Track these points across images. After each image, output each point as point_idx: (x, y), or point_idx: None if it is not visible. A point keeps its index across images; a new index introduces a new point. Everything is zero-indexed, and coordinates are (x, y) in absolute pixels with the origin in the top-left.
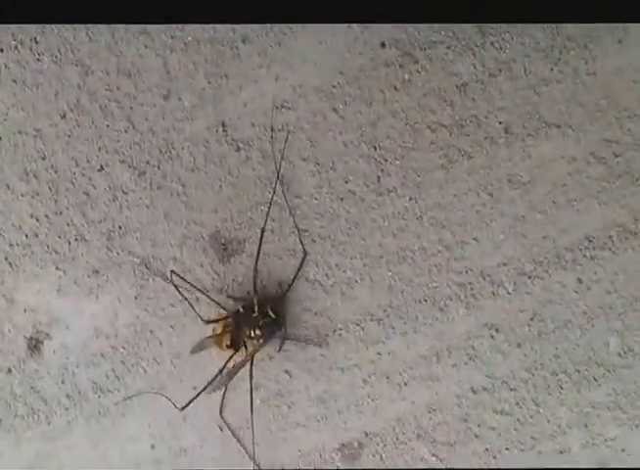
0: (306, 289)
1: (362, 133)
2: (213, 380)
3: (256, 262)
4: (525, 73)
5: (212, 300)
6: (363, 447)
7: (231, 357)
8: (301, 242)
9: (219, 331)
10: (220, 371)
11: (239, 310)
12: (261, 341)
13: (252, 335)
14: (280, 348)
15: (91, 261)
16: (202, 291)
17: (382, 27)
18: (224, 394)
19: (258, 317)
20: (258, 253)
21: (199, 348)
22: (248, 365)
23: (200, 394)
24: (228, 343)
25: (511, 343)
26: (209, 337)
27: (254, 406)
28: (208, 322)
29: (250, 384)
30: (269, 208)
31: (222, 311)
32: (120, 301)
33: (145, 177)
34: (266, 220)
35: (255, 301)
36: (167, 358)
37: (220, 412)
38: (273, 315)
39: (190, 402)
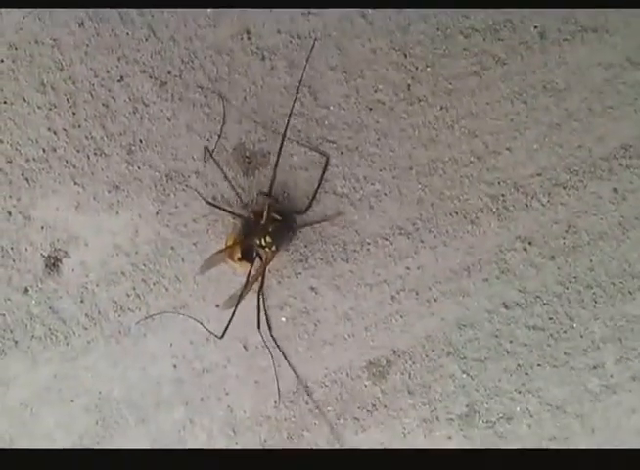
0: (333, 202)
1: (392, 39)
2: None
3: (275, 167)
4: None
5: (216, 206)
6: (391, 365)
7: (250, 270)
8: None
9: (230, 243)
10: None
11: (250, 217)
12: (274, 248)
13: (264, 243)
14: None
15: (111, 176)
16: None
17: None
18: (259, 308)
19: (267, 224)
20: (278, 158)
21: (208, 265)
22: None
23: (232, 318)
24: (239, 255)
25: (544, 256)
26: (219, 251)
27: (280, 325)
28: (211, 203)
29: (258, 296)
30: (290, 111)
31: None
32: (141, 217)
33: (166, 88)
34: (287, 126)
35: (267, 206)
36: (190, 276)
37: (258, 327)
38: (279, 217)
39: (226, 329)
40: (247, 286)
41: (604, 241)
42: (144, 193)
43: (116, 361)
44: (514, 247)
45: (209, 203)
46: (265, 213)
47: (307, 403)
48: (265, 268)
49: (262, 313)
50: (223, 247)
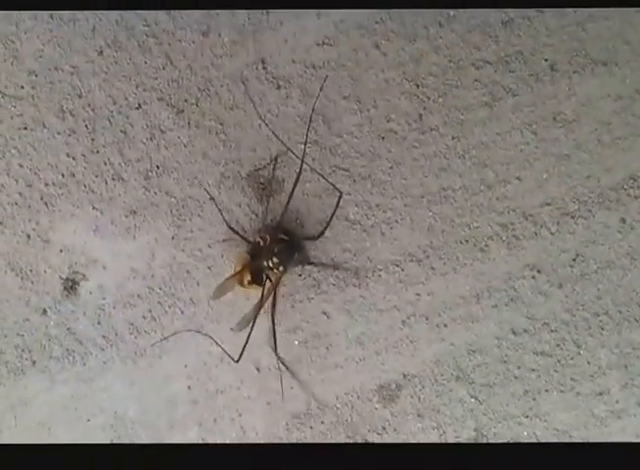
0: (346, 229)
1: (404, 70)
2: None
3: (288, 200)
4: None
5: (233, 230)
6: (401, 389)
7: (263, 292)
8: (334, 185)
9: (238, 269)
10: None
11: (258, 242)
12: (281, 269)
13: (271, 264)
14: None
15: (128, 201)
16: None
17: None
18: (274, 331)
19: (273, 245)
20: (292, 191)
21: (220, 291)
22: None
23: (247, 341)
24: (249, 279)
25: (552, 284)
26: (229, 277)
27: (292, 348)
28: (232, 230)
29: (272, 316)
30: (305, 144)
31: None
32: (157, 241)
33: (183, 115)
34: (302, 159)
35: (272, 229)
36: (204, 299)
37: (275, 349)
38: (285, 237)
39: (242, 352)
40: (258, 308)
41: (611, 270)
42: (160, 218)
43: (132, 382)
44: (523, 274)
45: (231, 228)
46: (269, 235)
47: (320, 424)
48: (275, 290)
49: (276, 335)
50: (233, 273)
